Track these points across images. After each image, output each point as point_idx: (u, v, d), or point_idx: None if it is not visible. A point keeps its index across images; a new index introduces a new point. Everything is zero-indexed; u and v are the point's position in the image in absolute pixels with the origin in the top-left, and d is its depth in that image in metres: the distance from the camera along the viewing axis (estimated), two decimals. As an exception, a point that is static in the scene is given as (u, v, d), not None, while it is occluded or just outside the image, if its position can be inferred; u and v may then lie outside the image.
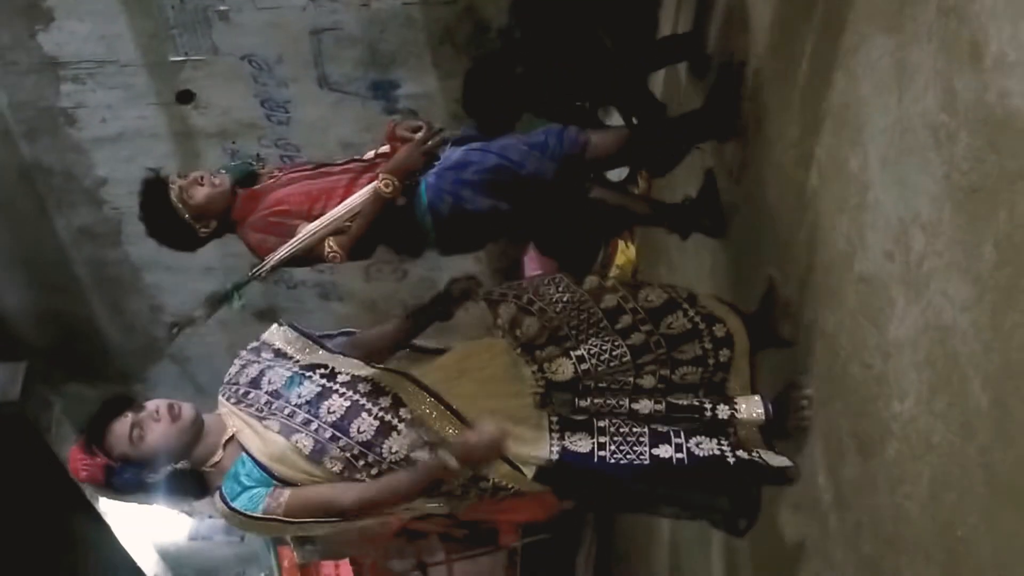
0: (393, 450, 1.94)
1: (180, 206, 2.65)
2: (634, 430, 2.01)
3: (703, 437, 2.01)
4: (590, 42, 2.83)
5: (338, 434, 1.95)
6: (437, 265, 5.76)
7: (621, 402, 2.04)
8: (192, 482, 2.03)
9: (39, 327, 5.96)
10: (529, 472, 1.97)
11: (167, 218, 2.67)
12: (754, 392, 2.13)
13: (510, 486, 2.00)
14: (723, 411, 2.05)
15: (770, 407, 2.08)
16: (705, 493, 2.15)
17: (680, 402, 2.06)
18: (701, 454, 1.99)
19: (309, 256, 2.62)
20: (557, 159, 2.58)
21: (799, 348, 2.18)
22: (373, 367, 2.08)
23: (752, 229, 2.56)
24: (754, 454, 2.03)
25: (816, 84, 2.05)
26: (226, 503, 1.95)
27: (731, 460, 1.99)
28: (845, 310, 1.92)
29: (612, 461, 1.97)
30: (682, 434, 2.02)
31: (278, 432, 1.97)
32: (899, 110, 1.66)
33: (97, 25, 4.64)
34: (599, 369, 2.06)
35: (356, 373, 2.05)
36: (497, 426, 1.89)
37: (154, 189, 2.72)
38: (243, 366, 2.13)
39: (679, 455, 1.98)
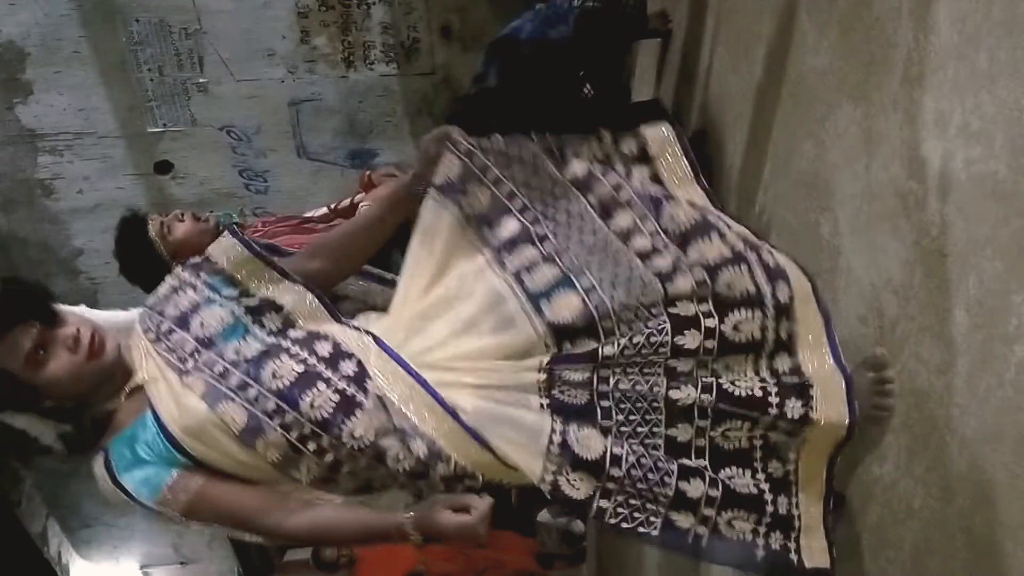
0: (356, 434, 1.45)
1: (159, 241, 2.60)
2: (654, 489, 1.48)
3: (741, 513, 1.51)
4: (564, 95, 2.85)
5: (284, 406, 1.45)
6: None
7: (655, 390, 1.49)
8: (74, 419, 1.57)
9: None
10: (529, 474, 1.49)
11: (142, 254, 2.61)
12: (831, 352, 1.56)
13: (504, 482, 1.55)
14: (792, 407, 1.49)
15: (855, 405, 1.52)
16: None
17: (736, 391, 1.49)
18: (728, 537, 1.51)
19: None
20: None
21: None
22: (338, 322, 1.61)
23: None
24: (791, 539, 1.54)
25: (786, 152, 2.09)
26: (110, 473, 1.48)
27: (760, 553, 1.52)
28: (822, 374, 1.92)
29: (611, 520, 1.49)
30: (717, 500, 1.50)
31: (201, 396, 1.48)
32: (868, 177, 1.69)
33: (76, 98, 4.68)
34: (615, 302, 1.48)
35: (314, 329, 1.56)
36: (487, 508, 1.46)
37: (132, 225, 2.67)
38: (175, 288, 1.61)
39: (699, 533, 1.50)
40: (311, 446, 1.46)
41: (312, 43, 4.67)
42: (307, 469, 1.49)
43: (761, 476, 1.53)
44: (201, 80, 4.69)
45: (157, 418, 1.49)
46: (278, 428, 1.45)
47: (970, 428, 1.39)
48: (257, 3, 4.55)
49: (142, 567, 7.04)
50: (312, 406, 1.45)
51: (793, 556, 1.54)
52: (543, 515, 5.86)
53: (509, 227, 1.56)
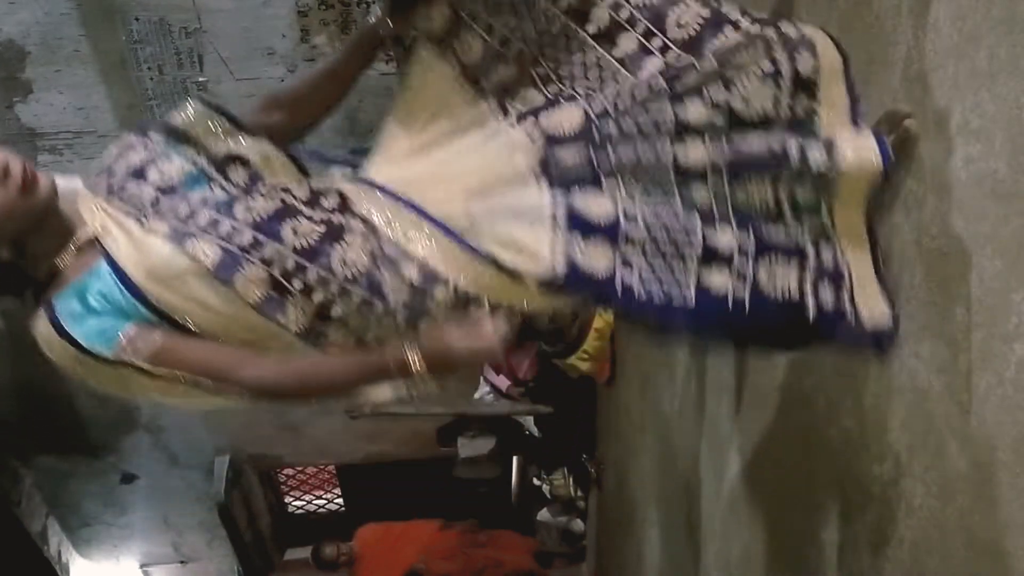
0: (349, 259, 1.31)
1: None
2: (679, 244, 1.31)
3: (781, 261, 1.33)
4: None
5: (263, 238, 1.31)
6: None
7: (662, 149, 1.31)
8: (11, 277, 1.38)
9: (10, 399, 5.87)
10: (531, 282, 1.31)
11: None
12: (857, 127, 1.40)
13: (514, 305, 1.36)
14: (816, 155, 1.32)
15: (887, 147, 1.37)
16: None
17: (751, 146, 1.32)
18: (771, 295, 1.32)
19: None
20: None
21: (777, 410, 2.18)
22: (308, 175, 1.49)
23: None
24: (843, 295, 1.37)
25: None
26: (55, 324, 1.29)
27: (811, 312, 1.33)
28: (822, 372, 1.93)
29: (641, 295, 1.29)
30: (750, 249, 1.32)
31: (166, 238, 1.31)
32: (868, 176, 1.69)
33: (75, 97, 4.68)
34: (616, 103, 1.33)
35: (283, 183, 1.42)
36: (505, 325, 1.31)
37: None
38: (123, 150, 1.46)
39: (739, 294, 1.31)
40: (297, 283, 1.30)
41: (312, 42, 4.67)
42: (294, 314, 1.32)
43: (796, 229, 1.35)
44: (201, 79, 4.68)
45: (114, 265, 1.30)
46: (258, 262, 1.30)
47: (970, 427, 1.39)
48: (257, 2, 4.55)
49: (142, 566, 7.05)
50: (295, 234, 1.31)
51: (850, 317, 1.35)
52: (543, 514, 5.87)
53: (506, 73, 1.41)
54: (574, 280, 1.29)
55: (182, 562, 7.10)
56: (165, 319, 1.30)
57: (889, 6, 1.61)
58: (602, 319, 4.37)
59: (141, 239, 1.32)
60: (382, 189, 1.37)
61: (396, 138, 1.47)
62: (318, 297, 1.31)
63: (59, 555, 6.43)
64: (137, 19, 4.53)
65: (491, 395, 5.38)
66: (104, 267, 1.32)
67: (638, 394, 4.02)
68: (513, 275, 1.30)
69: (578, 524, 5.83)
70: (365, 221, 1.34)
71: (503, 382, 5.31)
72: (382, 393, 1.37)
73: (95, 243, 1.34)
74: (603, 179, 1.33)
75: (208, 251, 1.29)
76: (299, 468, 6.93)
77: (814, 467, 1.98)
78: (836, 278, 1.36)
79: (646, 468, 3.92)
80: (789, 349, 1.64)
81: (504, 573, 5.17)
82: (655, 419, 3.68)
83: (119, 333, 1.28)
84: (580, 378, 4.68)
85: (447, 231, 1.32)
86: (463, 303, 1.33)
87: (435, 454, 6.07)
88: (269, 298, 1.30)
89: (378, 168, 1.46)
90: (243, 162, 1.43)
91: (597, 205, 1.32)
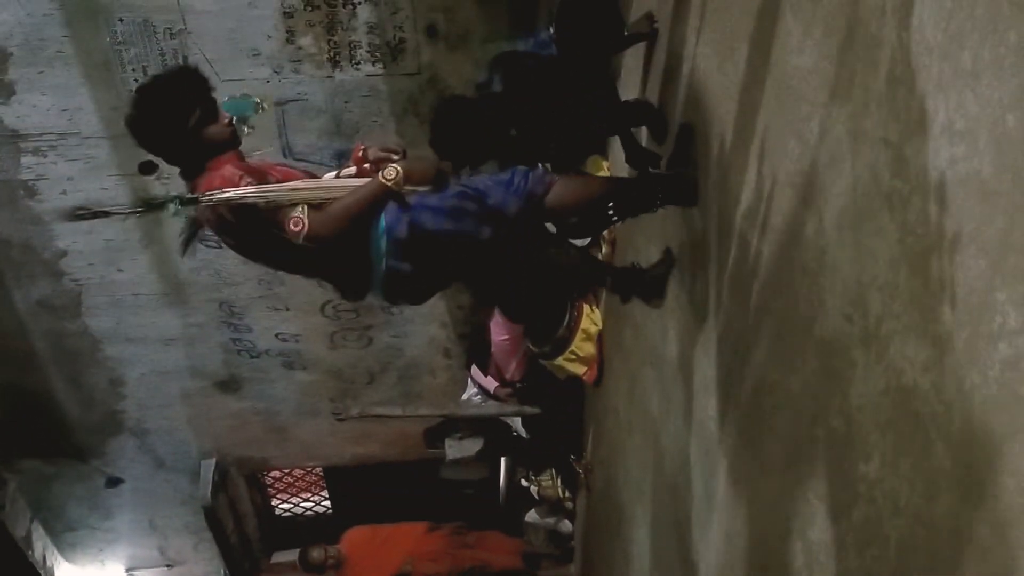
0: None
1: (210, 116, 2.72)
2: None
3: None
4: (565, 103, 2.92)
5: None
6: (403, 332, 5.75)
7: None
8: None
9: (-5, 402, 5.84)
10: None
11: (185, 108, 2.75)
12: None
13: None
14: None
15: None
16: None
17: None
18: None
19: (268, 214, 2.55)
20: (521, 195, 2.61)
21: (764, 410, 2.18)
22: None
23: (712, 294, 2.59)
24: None
25: (771, 151, 2.10)
26: None
27: None
28: (808, 372, 1.93)
29: None
30: None
31: None
32: (852, 175, 1.70)
33: (59, 98, 4.65)
34: None
35: None
36: None
37: (202, 82, 2.83)
38: None
39: None
40: None
41: (298, 43, 4.66)
42: None
43: None
44: (186, 80, 4.66)
45: None
46: None
47: (956, 426, 1.40)
48: (242, 3, 4.53)
49: (127, 570, 7.01)
50: None
51: None
52: (531, 515, 5.86)
53: None
54: None
55: (168, 566, 7.06)
56: None
57: (873, 6, 1.61)
58: (590, 320, 4.37)
59: None
60: None
61: None
62: None
63: (44, 560, 6.39)
64: (121, 20, 4.51)
65: (479, 396, 5.37)
66: None
67: (626, 395, 4.02)
68: None
69: (566, 525, 5.83)
70: None
71: (491, 383, 5.30)
72: None
73: None
74: None
75: None
76: (286, 471, 6.90)
77: (801, 467, 1.99)
78: None
79: (634, 469, 3.92)
80: None
81: (492, 574, 5.17)
82: (643, 420, 3.68)
83: None
84: (568, 379, 4.68)
85: None
86: None
87: (422, 456, 6.06)
88: None
89: None
90: None
91: None
